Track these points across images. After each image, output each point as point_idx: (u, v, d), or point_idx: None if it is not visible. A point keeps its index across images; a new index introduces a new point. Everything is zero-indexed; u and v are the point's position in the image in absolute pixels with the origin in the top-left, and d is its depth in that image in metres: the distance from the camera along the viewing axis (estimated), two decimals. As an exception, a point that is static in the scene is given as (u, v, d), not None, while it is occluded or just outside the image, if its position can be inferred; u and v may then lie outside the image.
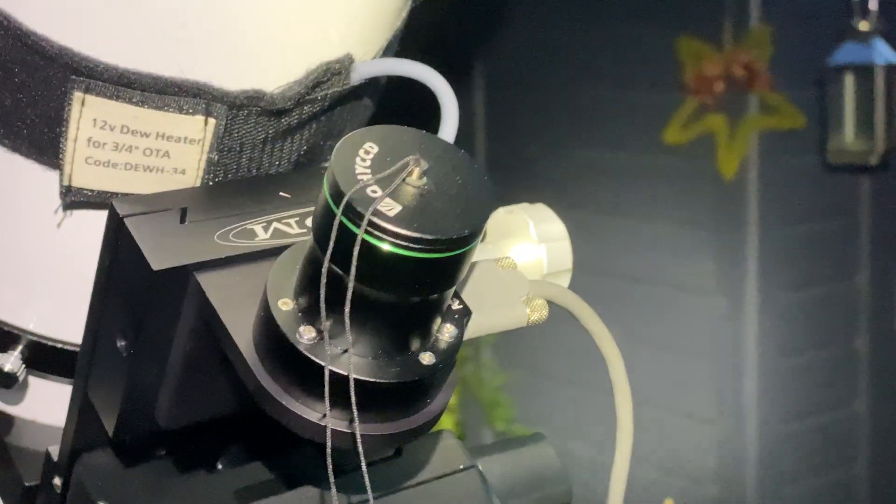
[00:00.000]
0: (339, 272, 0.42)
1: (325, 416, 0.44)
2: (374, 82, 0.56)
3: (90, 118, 0.49)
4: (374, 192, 0.42)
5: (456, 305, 0.47)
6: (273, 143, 0.52)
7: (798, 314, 2.64)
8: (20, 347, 0.56)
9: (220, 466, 0.56)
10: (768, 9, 2.55)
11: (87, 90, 0.48)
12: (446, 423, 3.05)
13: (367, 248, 0.42)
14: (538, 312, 0.50)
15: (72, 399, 0.55)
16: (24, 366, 0.56)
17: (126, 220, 0.48)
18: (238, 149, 0.51)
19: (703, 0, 2.68)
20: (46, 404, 0.59)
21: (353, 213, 0.41)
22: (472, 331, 0.49)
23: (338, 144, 0.43)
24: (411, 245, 0.41)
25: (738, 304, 2.62)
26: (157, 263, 0.47)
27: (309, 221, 0.50)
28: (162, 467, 0.55)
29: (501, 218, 0.58)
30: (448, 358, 0.46)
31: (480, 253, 0.55)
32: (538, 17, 2.95)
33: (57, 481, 0.56)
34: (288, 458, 0.55)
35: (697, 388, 2.70)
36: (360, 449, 0.43)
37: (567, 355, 2.79)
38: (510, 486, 0.62)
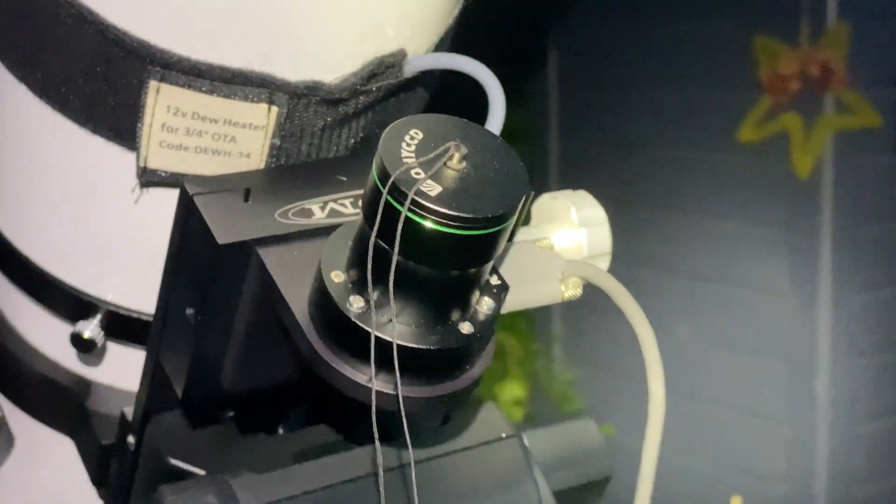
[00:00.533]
0: (385, 247, 0.46)
1: (371, 378, 0.48)
2: (429, 74, 0.60)
3: (164, 105, 0.53)
4: (417, 174, 0.46)
5: (494, 281, 0.51)
6: (331, 130, 0.56)
7: (871, 315, 2.63)
8: (99, 316, 0.61)
9: (280, 430, 0.60)
10: (845, 7, 2.55)
11: (161, 79, 0.52)
12: (516, 416, 3.08)
13: (410, 225, 0.45)
14: (572, 290, 0.54)
15: (145, 364, 0.59)
16: (102, 333, 0.60)
17: (195, 199, 0.52)
18: (298, 135, 0.55)
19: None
20: (121, 370, 0.64)
21: (398, 193, 0.45)
22: (510, 304, 0.52)
23: (386, 130, 0.47)
24: (450, 222, 0.45)
25: (811, 304, 2.62)
26: (222, 238, 0.51)
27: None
28: (226, 429, 0.59)
29: (546, 203, 0.62)
30: (486, 328, 0.50)
31: (524, 234, 0.59)
32: (614, 15, 2.97)
33: (131, 440, 0.61)
34: (342, 423, 0.59)
35: (769, 387, 2.70)
36: (402, 409, 0.47)
37: (637, 353, 2.80)
38: (552, 459, 0.65)
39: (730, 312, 2.77)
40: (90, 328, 0.60)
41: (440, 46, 0.60)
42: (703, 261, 2.81)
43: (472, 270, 0.48)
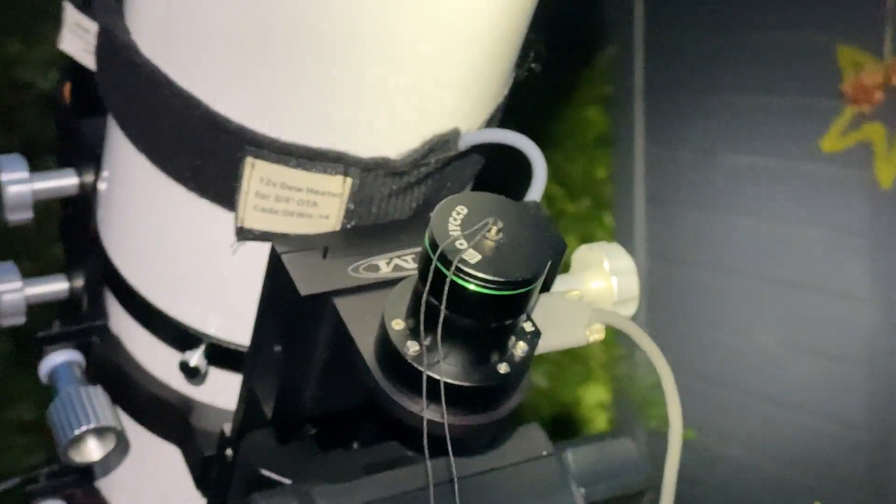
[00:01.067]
0: (435, 303, 0.57)
1: (423, 409, 0.58)
2: (482, 146, 0.70)
3: (258, 177, 0.64)
4: (461, 244, 0.56)
5: (529, 328, 0.61)
6: (396, 196, 0.66)
7: (953, 324, 2.66)
8: (202, 347, 0.72)
9: (355, 445, 0.71)
10: (931, 18, 2.58)
11: (256, 156, 0.63)
12: (600, 419, 3.16)
13: (454, 286, 0.56)
14: (596, 335, 0.64)
15: (241, 389, 0.71)
16: (206, 361, 0.72)
17: (282, 256, 0.63)
18: (369, 201, 0.66)
19: (864, 9, 2.71)
20: (220, 391, 0.75)
21: (445, 261, 0.56)
22: (542, 347, 0.63)
23: (437, 207, 0.58)
24: (487, 285, 0.56)
25: (891, 311, 2.65)
26: (304, 290, 0.62)
27: None
28: (308, 444, 0.71)
29: (584, 253, 0.71)
30: (520, 368, 0.60)
31: (560, 283, 0.69)
32: (699, 23, 3.02)
33: (229, 452, 0.72)
34: (406, 441, 0.70)
35: (849, 394, 2.73)
36: (448, 435, 0.57)
37: (721, 358, 2.87)
38: (591, 473, 0.74)
39: (812, 318, 2.81)
40: (196, 358, 0.71)
41: (491, 121, 0.70)
42: (786, 267, 2.85)
43: (507, 322, 0.58)
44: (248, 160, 0.64)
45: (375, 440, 0.72)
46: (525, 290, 0.57)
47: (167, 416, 0.76)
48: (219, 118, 0.63)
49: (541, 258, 0.57)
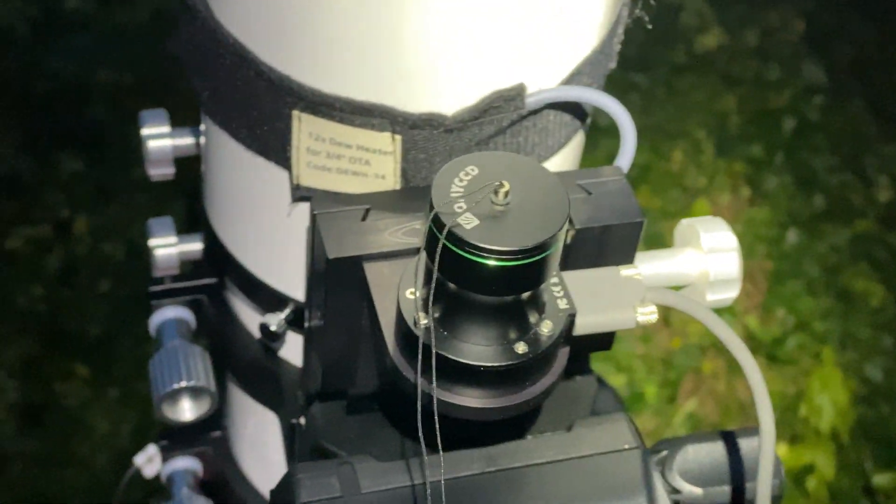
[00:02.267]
0: (435, 271, 0.51)
1: (416, 380, 0.53)
2: (572, 105, 0.63)
3: (307, 132, 0.61)
4: (460, 207, 0.50)
5: (563, 304, 0.54)
6: (459, 154, 0.61)
7: None
8: (286, 311, 0.69)
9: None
10: None
11: (301, 109, 0.60)
12: None
13: (449, 253, 0.50)
14: (647, 317, 0.56)
15: (304, 355, 0.68)
16: (285, 324, 0.69)
17: (317, 216, 0.60)
18: (425, 159, 0.61)
19: None
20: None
21: (439, 225, 0.50)
22: (581, 327, 0.55)
23: (445, 165, 0.52)
24: (480, 253, 0.49)
25: None
26: (332, 252, 0.58)
27: None
28: (373, 419, 0.67)
29: (683, 228, 0.63)
30: (544, 349, 0.53)
31: (645, 259, 0.61)
32: None
33: (302, 421, 0.69)
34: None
35: None
36: (436, 414, 0.52)
37: None
38: (709, 472, 0.66)
39: None
40: (276, 322, 0.69)
41: (576, 77, 0.62)
42: None
43: (514, 296, 0.52)
44: (294, 114, 0.60)
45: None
46: (528, 260, 0.50)
47: (263, 378, 0.75)
48: (266, 69, 0.60)
49: (549, 227, 0.50)
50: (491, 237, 0.49)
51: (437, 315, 0.53)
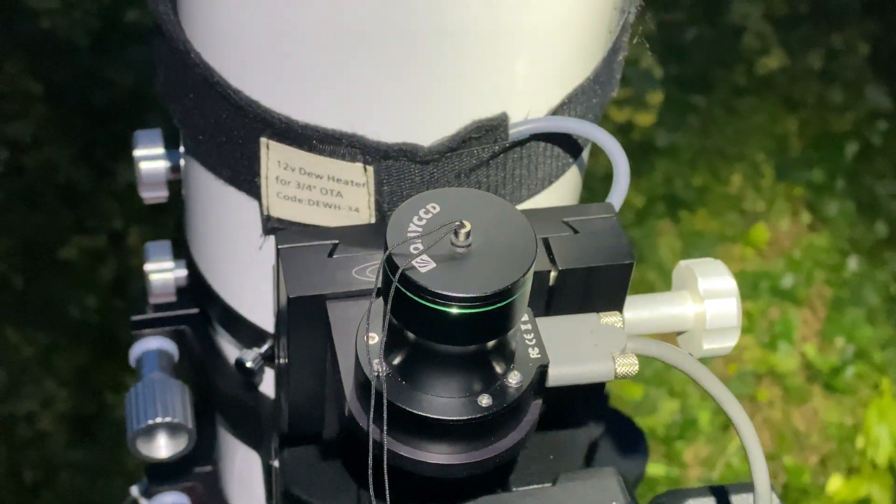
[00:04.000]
0: (390, 316, 0.47)
1: (368, 433, 0.49)
2: (563, 137, 0.59)
3: (275, 160, 0.57)
4: (415, 248, 0.46)
5: (534, 354, 0.50)
6: (432, 188, 0.57)
7: None
8: (264, 347, 0.66)
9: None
10: None
11: (269, 136, 0.56)
12: None
13: (403, 298, 0.46)
14: (627, 368, 0.51)
15: (274, 399, 0.64)
16: (262, 362, 0.65)
17: (281, 251, 0.56)
18: (399, 192, 0.57)
19: None
20: None
21: (393, 267, 0.46)
22: (555, 379, 0.51)
23: (405, 203, 0.48)
24: (434, 299, 0.45)
25: None
26: (293, 291, 0.54)
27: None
28: (351, 465, 0.63)
29: (682, 270, 0.59)
30: (510, 402, 0.49)
31: (636, 303, 0.57)
32: None
33: (276, 464, 0.65)
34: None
35: None
36: (385, 468, 0.48)
37: None
38: None
39: None
40: (251, 358, 0.65)
41: (568, 107, 0.58)
42: None
43: (477, 346, 0.47)
44: (263, 140, 0.57)
45: None
46: (484, 309, 0.46)
47: (244, 417, 0.71)
48: (234, 94, 0.57)
49: (511, 274, 0.46)
50: (447, 282, 0.45)
51: (396, 362, 0.49)
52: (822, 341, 2.62)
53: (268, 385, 0.70)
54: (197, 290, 0.71)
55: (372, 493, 0.48)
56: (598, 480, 0.60)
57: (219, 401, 0.73)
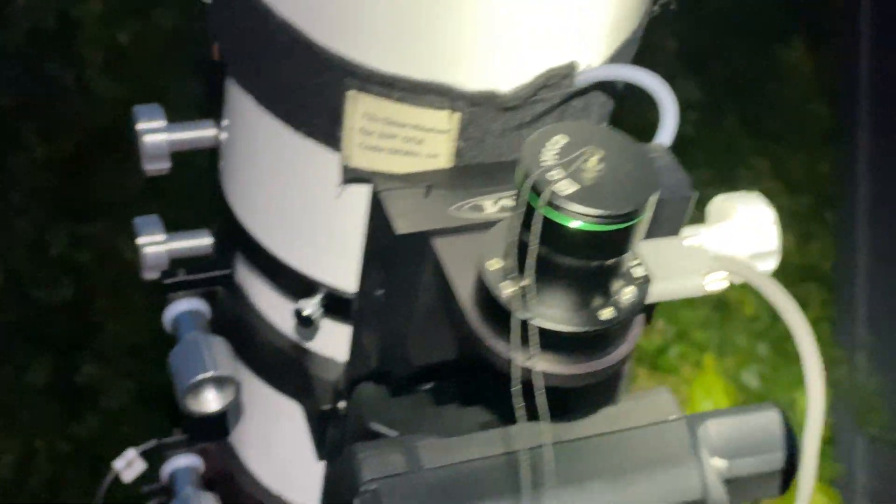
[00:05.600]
0: (527, 239, 0.52)
1: (516, 355, 0.54)
2: (610, 86, 0.65)
3: (361, 112, 0.61)
4: (555, 175, 0.52)
5: (638, 272, 0.56)
6: (509, 134, 0.62)
7: None
8: (319, 296, 0.69)
9: (469, 402, 0.68)
10: None
11: (358, 89, 0.60)
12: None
13: (548, 221, 0.51)
14: (714, 284, 0.58)
15: (352, 337, 0.68)
16: (321, 310, 0.69)
17: (381, 194, 0.60)
18: (479, 138, 0.62)
19: None
20: (338, 344, 0.72)
21: (536, 192, 0.51)
22: (654, 295, 0.57)
23: (532, 135, 0.53)
24: (582, 219, 0.51)
25: None
26: (400, 229, 0.59)
27: None
28: (421, 399, 0.67)
29: (719, 203, 0.66)
30: (626, 315, 0.55)
31: (687, 231, 0.63)
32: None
33: (342, 405, 0.69)
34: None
35: None
36: (542, 384, 0.53)
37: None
38: (734, 446, 0.68)
39: None
40: (310, 307, 0.69)
41: (620, 57, 0.64)
42: None
43: (609, 262, 0.53)
44: (351, 94, 0.61)
45: (491, 397, 0.68)
46: (624, 225, 0.52)
47: (286, 369, 0.74)
48: (319, 49, 0.60)
49: (643, 192, 0.52)
50: (591, 202, 0.51)
51: (523, 284, 0.54)
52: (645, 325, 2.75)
53: (312, 338, 0.73)
54: (236, 244, 0.74)
55: (519, 407, 0.53)
56: (655, 397, 0.66)
57: (256, 357, 0.76)
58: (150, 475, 0.95)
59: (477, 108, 0.61)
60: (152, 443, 0.92)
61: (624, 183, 0.52)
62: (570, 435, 0.63)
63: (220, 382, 0.73)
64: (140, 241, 0.81)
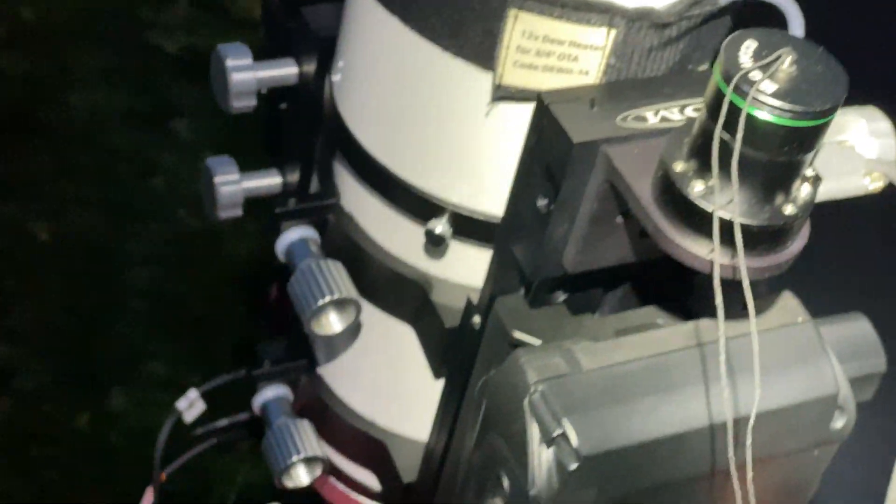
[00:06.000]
0: (728, 138, 0.56)
1: (713, 250, 0.57)
2: (735, 4, 0.69)
3: (520, 29, 0.63)
4: (755, 75, 0.55)
5: (810, 172, 0.60)
6: (656, 51, 0.65)
7: None
8: (446, 215, 0.71)
9: (606, 310, 0.71)
10: None
11: (520, 7, 0.63)
12: None
13: (749, 117, 0.55)
14: (875, 183, 0.63)
15: (496, 250, 0.70)
16: (451, 230, 0.71)
17: (551, 107, 0.63)
18: (629, 55, 0.65)
19: None
20: (459, 265, 0.74)
21: (740, 92, 0.55)
22: (821, 195, 0.61)
23: (725, 41, 0.57)
24: (786, 115, 0.54)
25: None
26: (576, 138, 0.61)
27: (687, 111, 0.64)
28: (559, 309, 0.70)
29: (838, 118, 0.70)
30: (804, 211, 0.59)
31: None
32: None
33: (476, 319, 0.72)
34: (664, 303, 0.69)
35: None
36: (745, 275, 0.56)
37: None
38: (842, 350, 0.72)
39: None
40: (441, 225, 0.71)
41: None
42: None
43: (798, 158, 0.57)
44: (512, 11, 0.63)
45: (619, 307, 0.72)
46: (822, 121, 0.55)
47: (403, 292, 0.76)
48: None
49: (836, 90, 0.56)
50: (793, 99, 0.54)
51: (710, 183, 0.58)
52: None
53: (423, 261, 0.75)
54: (357, 169, 0.75)
55: (719, 301, 0.56)
56: (783, 301, 0.70)
57: (369, 282, 0.77)
58: (206, 418, 0.96)
59: (633, 24, 0.63)
60: (216, 382, 0.92)
61: (817, 82, 0.56)
62: (712, 336, 0.67)
63: (340, 305, 0.74)
64: (217, 180, 0.82)
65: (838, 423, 0.69)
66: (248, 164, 0.85)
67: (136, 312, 2.27)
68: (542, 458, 0.63)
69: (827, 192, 0.62)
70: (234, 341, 2.17)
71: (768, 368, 0.65)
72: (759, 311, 0.69)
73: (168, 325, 2.25)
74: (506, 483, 0.65)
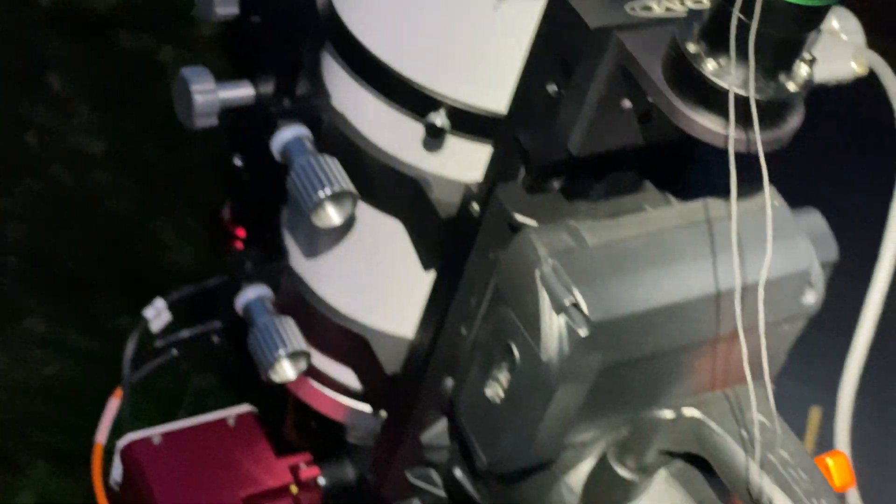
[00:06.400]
0: (742, 18, 0.61)
1: (729, 125, 0.62)
2: None
3: None
4: None
5: (807, 56, 0.66)
6: None
7: None
8: (443, 108, 0.75)
9: (599, 195, 0.75)
10: None
11: None
12: None
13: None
14: (861, 68, 0.69)
15: (500, 135, 0.74)
16: (450, 123, 0.75)
17: None
18: None
19: None
20: (453, 161, 0.78)
21: None
22: (816, 76, 0.67)
23: None
24: None
25: None
26: (592, 23, 0.66)
27: (687, 2, 0.69)
28: (554, 196, 0.74)
29: None
30: (806, 87, 0.64)
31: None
32: None
33: (475, 207, 0.75)
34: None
35: None
36: (761, 147, 0.61)
37: None
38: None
39: None
40: (441, 118, 0.74)
41: None
42: None
43: (803, 37, 0.63)
44: None
45: (617, 191, 0.76)
46: (832, 1, 0.61)
47: (398, 188, 0.79)
48: None
49: None
50: None
51: (722, 62, 0.63)
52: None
53: (416, 157, 0.78)
54: (356, 66, 0.78)
55: (732, 168, 0.61)
56: (755, 186, 0.75)
57: (361, 178, 0.79)
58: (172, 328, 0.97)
59: None
60: (183, 292, 0.94)
61: None
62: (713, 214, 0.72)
63: (337, 198, 0.77)
64: (193, 88, 0.83)
65: (809, 298, 0.75)
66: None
67: (12, 270, 2.23)
68: (553, 326, 0.67)
69: (820, 73, 0.67)
70: (112, 297, 2.15)
71: (756, 244, 0.71)
72: (744, 194, 0.74)
73: (44, 282, 2.21)
74: (516, 352, 0.69)
